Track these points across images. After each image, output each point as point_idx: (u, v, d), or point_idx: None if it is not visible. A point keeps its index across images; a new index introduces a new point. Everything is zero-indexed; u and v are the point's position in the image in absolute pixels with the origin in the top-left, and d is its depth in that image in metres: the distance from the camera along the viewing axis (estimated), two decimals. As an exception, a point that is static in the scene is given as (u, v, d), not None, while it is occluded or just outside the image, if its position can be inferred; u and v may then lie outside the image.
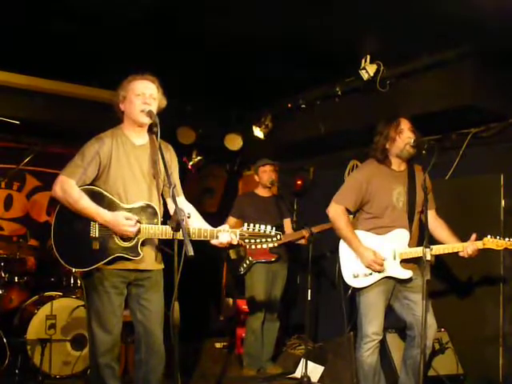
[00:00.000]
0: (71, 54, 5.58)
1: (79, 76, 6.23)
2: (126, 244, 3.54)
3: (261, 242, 3.54)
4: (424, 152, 4.37)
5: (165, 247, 3.76)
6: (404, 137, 4.31)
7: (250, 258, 5.90)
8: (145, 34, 5.18)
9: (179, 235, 3.08)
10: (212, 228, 3.58)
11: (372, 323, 4.29)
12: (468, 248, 4.16)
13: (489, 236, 4.18)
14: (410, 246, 4.29)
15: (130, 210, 3.56)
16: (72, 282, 5.91)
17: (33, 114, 6.43)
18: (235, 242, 3.56)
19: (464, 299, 5.58)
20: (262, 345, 5.99)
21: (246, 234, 3.54)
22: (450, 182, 5.79)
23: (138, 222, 3.53)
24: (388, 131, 4.35)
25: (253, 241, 3.54)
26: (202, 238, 3.53)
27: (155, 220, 3.60)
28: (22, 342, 5.23)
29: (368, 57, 5.52)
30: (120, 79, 3.74)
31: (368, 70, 5.51)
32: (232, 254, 5.98)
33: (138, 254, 3.55)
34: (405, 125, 4.35)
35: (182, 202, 3.79)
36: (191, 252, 2.91)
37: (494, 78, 5.19)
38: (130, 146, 3.67)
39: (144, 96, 3.60)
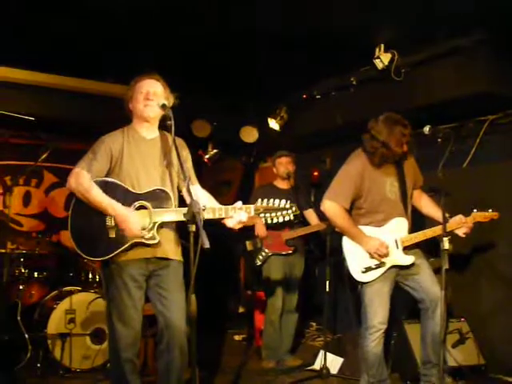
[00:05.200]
0: (85, 50, 5.60)
1: (94, 72, 6.25)
2: (144, 230, 3.58)
3: (276, 215, 3.57)
4: (440, 140, 4.35)
5: (181, 240, 3.78)
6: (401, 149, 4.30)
7: (266, 250, 5.89)
8: (162, 28, 5.18)
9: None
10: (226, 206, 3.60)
11: (378, 313, 4.30)
12: (464, 227, 4.38)
13: (475, 210, 4.40)
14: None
15: (142, 195, 3.63)
16: (91, 276, 5.97)
17: (49, 110, 6.48)
18: (245, 219, 3.57)
19: (484, 289, 5.54)
20: (280, 337, 5.99)
21: (261, 209, 3.57)
22: (467, 171, 5.75)
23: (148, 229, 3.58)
24: (389, 144, 4.26)
25: (268, 215, 3.56)
26: (217, 217, 3.56)
27: (169, 203, 3.64)
28: (42, 337, 5.29)
29: (382, 46, 5.48)
30: (135, 74, 3.85)
31: (382, 59, 5.48)
32: (248, 246, 5.97)
33: (155, 238, 3.59)
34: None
35: (197, 189, 3.82)
36: (207, 244, 2.92)
37: (510, 63, 5.13)
38: (140, 139, 3.79)
39: (148, 93, 3.72)
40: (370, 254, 4.29)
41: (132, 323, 3.65)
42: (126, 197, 3.62)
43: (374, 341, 4.30)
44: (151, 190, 3.65)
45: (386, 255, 4.27)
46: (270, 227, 5.83)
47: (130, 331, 3.65)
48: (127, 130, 3.81)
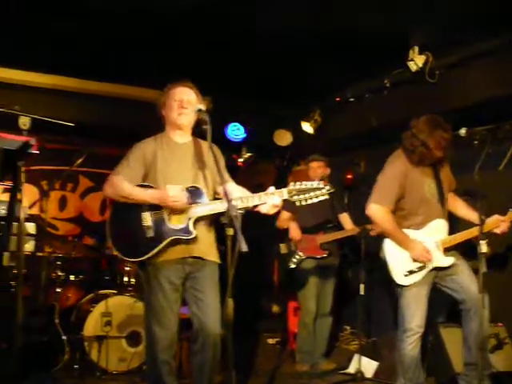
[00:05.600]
0: (121, 56, 5.68)
1: (130, 77, 6.33)
2: (179, 226, 3.66)
3: (310, 196, 3.51)
4: (476, 142, 4.30)
5: (219, 245, 3.82)
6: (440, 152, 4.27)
7: (301, 254, 5.88)
8: (196, 34, 5.24)
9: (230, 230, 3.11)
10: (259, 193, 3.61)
11: (415, 316, 4.28)
12: (502, 225, 4.34)
13: (511, 209, 4.36)
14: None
15: None
16: (126, 280, 5.99)
17: (85, 116, 6.58)
18: (279, 203, 3.55)
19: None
20: (314, 340, 5.97)
21: (294, 191, 3.53)
22: (504, 173, 5.68)
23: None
24: (428, 144, 4.23)
25: (302, 196, 3.51)
26: (251, 204, 3.57)
27: (202, 199, 3.71)
28: (79, 339, 5.35)
29: (416, 48, 5.46)
30: (172, 79, 3.93)
31: (416, 61, 5.46)
32: (283, 249, 5.98)
33: (191, 233, 3.65)
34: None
35: (231, 185, 3.85)
36: (245, 248, 2.93)
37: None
38: (174, 144, 3.89)
39: (182, 101, 3.80)
40: (414, 259, 4.28)
41: (168, 325, 3.72)
42: None
43: (411, 344, 4.28)
44: (185, 188, 3.71)
45: (430, 261, 4.26)
46: (304, 231, 5.84)
47: (166, 333, 3.71)
48: (160, 137, 3.90)
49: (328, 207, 5.96)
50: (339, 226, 6.02)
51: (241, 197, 3.60)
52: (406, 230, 4.34)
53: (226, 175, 3.89)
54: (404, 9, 4.67)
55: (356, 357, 5.48)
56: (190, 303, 3.80)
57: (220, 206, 3.57)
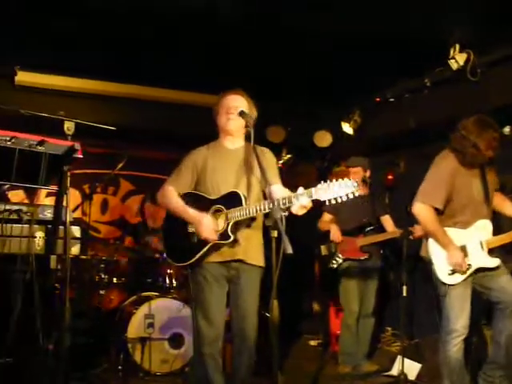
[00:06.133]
0: (162, 59, 5.73)
1: (172, 81, 6.39)
2: (218, 231, 3.73)
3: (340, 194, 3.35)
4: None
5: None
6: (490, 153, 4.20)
7: (341, 256, 5.87)
8: (237, 37, 5.29)
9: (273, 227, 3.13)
10: (290, 194, 3.56)
11: (460, 317, 4.22)
12: None
13: None
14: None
15: (218, 200, 3.80)
16: (168, 282, 6.03)
17: (125, 119, 6.66)
18: (306, 203, 3.44)
19: None
20: (357, 341, 5.94)
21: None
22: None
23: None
24: (479, 145, 4.17)
25: (332, 196, 3.36)
26: (283, 206, 3.48)
27: (241, 203, 3.73)
28: (123, 341, 5.40)
29: (457, 46, 5.39)
30: (215, 83, 4.11)
31: (457, 59, 5.39)
32: (323, 250, 5.98)
33: (229, 237, 3.71)
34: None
35: (277, 187, 3.84)
36: (290, 250, 2.94)
37: None
38: (224, 151, 4.00)
39: (229, 107, 3.91)
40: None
41: (214, 320, 3.81)
42: (204, 204, 3.83)
43: (455, 345, 4.22)
44: (224, 193, 3.81)
45: (463, 273, 4.21)
46: (345, 233, 5.82)
47: (212, 328, 3.80)
48: (213, 145, 4.04)
49: (369, 209, 5.93)
50: (381, 228, 5.97)
51: (275, 199, 3.56)
52: (452, 229, 4.29)
53: (273, 178, 3.89)
54: (444, 7, 4.63)
55: (399, 359, 5.42)
56: (231, 307, 3.91)
57: (254, 210, 3.61)
